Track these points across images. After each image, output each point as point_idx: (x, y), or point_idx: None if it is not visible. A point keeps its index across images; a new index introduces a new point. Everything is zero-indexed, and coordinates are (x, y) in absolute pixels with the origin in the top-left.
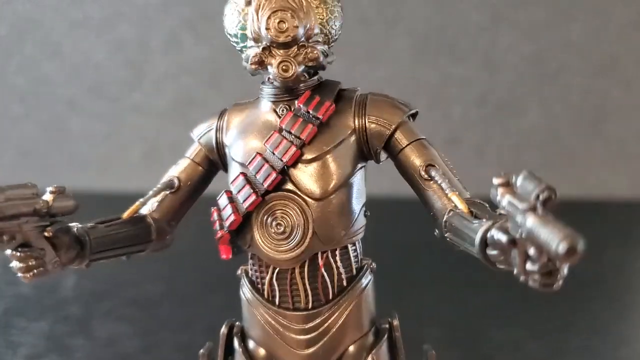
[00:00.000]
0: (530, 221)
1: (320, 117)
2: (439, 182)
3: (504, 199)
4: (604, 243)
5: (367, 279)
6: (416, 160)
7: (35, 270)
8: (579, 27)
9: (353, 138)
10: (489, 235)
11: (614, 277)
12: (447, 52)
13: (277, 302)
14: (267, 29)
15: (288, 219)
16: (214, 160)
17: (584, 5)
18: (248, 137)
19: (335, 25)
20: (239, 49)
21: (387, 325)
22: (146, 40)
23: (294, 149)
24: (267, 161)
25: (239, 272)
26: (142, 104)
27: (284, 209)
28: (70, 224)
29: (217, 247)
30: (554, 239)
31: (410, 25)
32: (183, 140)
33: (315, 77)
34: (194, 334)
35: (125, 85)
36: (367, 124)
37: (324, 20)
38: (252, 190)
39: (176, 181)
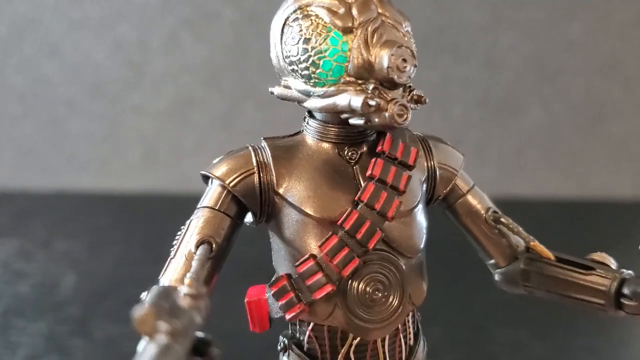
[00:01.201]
0: None
1: (412, 164)
2: (511, 226)
3: None
4: (605, 243)
5: (421, 333)
6: (479, 206)
7: None
8: (579, 26)
9: (425, 184)
10: (629, 290)
11: None
12: (448, 52)
13: None
14: (389, 67)
15: (386, 282)
16: (249, 207)
17: (585, 4)
18: (321, 186)
19: None
20: (314, 82)
21: None
22: (146, 40)
23: (397, 202)
24: (366, 217)
25: (281, 345)
26: (142, 104)
27: (381, 271)
28: None
29: (258, 321)
30: None
31: (410, 25)
32: (182, 140)
33: None
34: None
35: (124, 85)
36: (436, 169)
37: None
38: (353, 254)
39: (213, 243)
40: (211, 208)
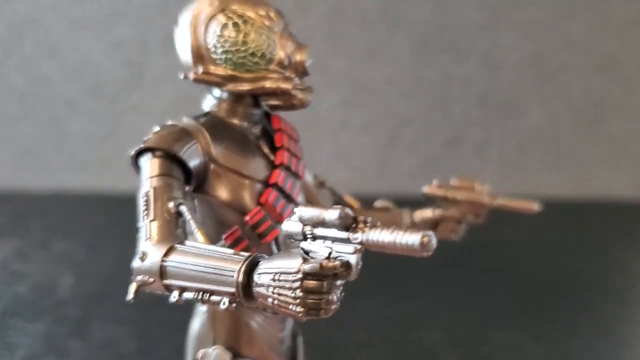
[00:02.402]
0: None
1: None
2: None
3: None
4: (605, 243)
5: None
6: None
7: None
8: (579, 26)
9: None
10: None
11: (616, 277)
12: (448, 52)
13: None
14: (305, 61)
15: None
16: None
17: (585, 4)
18: (246, 154)
19: None
20: (246, 69)
21: None
22: (146, 40)
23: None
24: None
25: None
26: (142, 104)
27: None
28: None
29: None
30: None
31: (410, 25)
32: None
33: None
34: None
35: (124, 85)
36: None
37: None
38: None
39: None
40: (165, 175)
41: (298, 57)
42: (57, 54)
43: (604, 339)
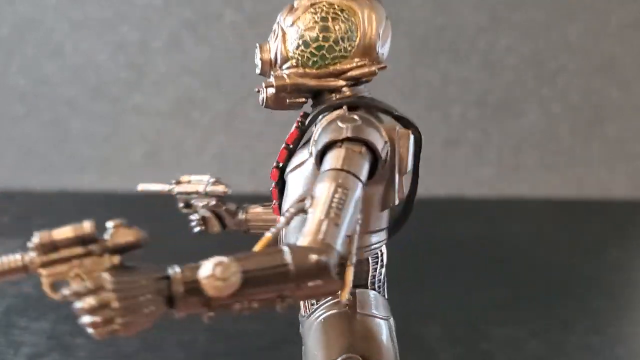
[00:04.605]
0: None
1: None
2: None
3: None
4: (603, 243)
5: None
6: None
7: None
8: (578, 27)
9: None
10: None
11: (613, 276)
12: (447, 53)
13: None
14: None
15: None
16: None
17: (583, 5)
18: None
19: None
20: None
21: None
22: (147, 41)
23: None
24: None
25: None
26: (143, 105)
27: None
28: None
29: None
30: None
31: (409, 26)
32: (183, 140)
33: None
34: (196, 332)
35: (125, 85)
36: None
37: None
38: None
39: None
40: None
41: None
42: (58, 54)
43: (601, 336)
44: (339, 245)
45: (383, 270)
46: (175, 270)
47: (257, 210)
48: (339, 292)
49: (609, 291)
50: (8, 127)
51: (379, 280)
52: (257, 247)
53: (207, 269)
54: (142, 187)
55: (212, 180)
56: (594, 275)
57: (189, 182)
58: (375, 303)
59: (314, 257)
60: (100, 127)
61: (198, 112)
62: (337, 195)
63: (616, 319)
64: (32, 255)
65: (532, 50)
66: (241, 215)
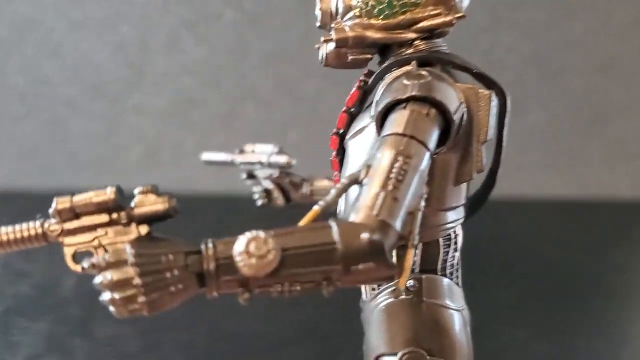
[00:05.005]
0: None
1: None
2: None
3: None
4: (605, 243)
5: None
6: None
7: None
8: (579, 27)
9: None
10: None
11: (616, 277)
12: None
13: None
14: None
15: None
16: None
17: (585, 5)
18: None
19: None
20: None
21: None
22: (146, 40)
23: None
24: None
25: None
26: (142, 104)
27: None
28: None
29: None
30: None
31: None
32: (183, 140)
33: None
34: (195, 333)
35: (125, 85)
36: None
37: None
38: None
39: None
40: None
41: None
42: (58, 54)
43: (605, 338)
44: (397, 223)
45: (457, 254)
46: (207, 245)
47: (323, 183)
48: (396, 278)
49: (613, 292)
50: (7, 127)
51: (451, 266)
52: (303, 222)
53: (240, 244)
54: (206, 156)
55: (276, 150)
56: (597, 276)
57: (252, 151)
58: (446, 291)
59: (365, 235)
60: (100, 127)
61: (197, 112)
62: (397, 165)
63: (620, 320)
64: (52, 222)
65: (532, 50)
66: (305, 188)
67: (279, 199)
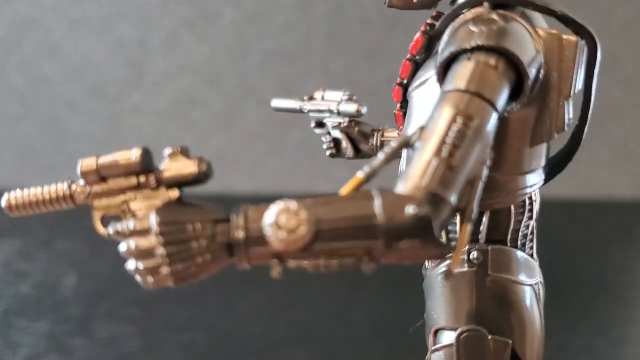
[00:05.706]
0: None
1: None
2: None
3: None
4: (606, 243)
5: None
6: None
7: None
8: None
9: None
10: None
11: (616, 277)
12: None
13: None
14: None
15: None
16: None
17: (585, 4)
18: None
19: None
20: None
21: None
22: (146, 40)
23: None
24: None
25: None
26: (142, 104)
27: None
28: None
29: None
30: None
31: (410, 26)
32: (183, 140)
33: None
34: (195, 333)
35: (124, 85)
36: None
37: None
38: None
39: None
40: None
41: None
42: (57, 54)
43: (604, 338)
44: (451, 195)
45: (531, 222)
46: (239, 212)
47: (394, 134)
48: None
49: (613, 292)
50: (7, 127)
51: (524, 236)
52: (344, 190)
53: (271, 214)
54: (275, 103)
55: (345, 97)
56: (596, 276)
57: (322, 98)
58: (515, 264)
59: (411, 209)
60: (100, 127)
61: (197, 112)
62: (454, 127)
63: (620, 320)
64: (80, 184)
65: None
66: (375, 139)
67: (347, 149)
